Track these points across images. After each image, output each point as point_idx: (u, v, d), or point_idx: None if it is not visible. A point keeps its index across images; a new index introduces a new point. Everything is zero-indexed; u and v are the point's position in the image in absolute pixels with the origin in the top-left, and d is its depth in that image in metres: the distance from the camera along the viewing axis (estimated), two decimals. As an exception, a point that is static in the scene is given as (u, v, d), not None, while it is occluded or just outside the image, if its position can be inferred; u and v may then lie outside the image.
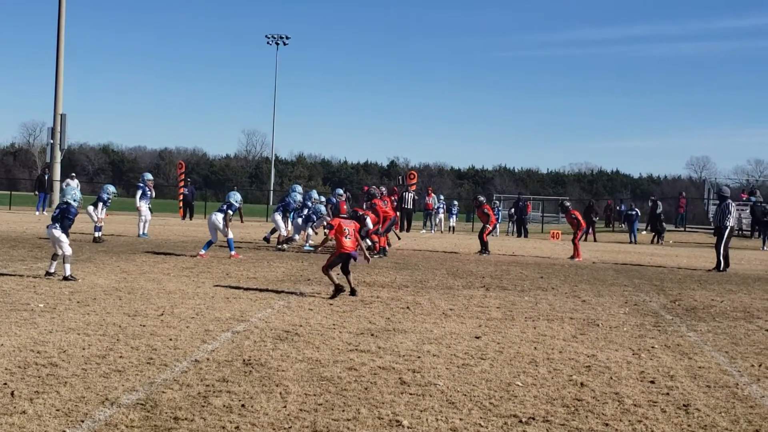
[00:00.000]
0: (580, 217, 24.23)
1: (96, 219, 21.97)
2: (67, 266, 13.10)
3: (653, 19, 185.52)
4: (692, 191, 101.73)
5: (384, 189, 24.43)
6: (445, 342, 9.03)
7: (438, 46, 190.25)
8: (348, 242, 12.51)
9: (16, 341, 8.03)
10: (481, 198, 25.37)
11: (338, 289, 12.28)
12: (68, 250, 13.18)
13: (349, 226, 12.73)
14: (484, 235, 24.24)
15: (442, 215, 41.28)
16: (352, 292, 12.67)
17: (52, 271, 13.30)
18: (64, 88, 46.17)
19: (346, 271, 12.66)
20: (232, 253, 18.47)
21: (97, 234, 21.79)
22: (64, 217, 13.39)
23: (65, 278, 12.94)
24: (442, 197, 42.89)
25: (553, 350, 8.85)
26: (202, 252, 18.36)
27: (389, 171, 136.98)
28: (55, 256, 13.31)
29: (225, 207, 19.02)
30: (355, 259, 12.69)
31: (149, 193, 25.12)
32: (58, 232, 13.21)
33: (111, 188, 23.10)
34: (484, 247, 24.02)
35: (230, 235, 18.81)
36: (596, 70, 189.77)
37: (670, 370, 8.06)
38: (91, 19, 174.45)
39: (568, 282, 16.31)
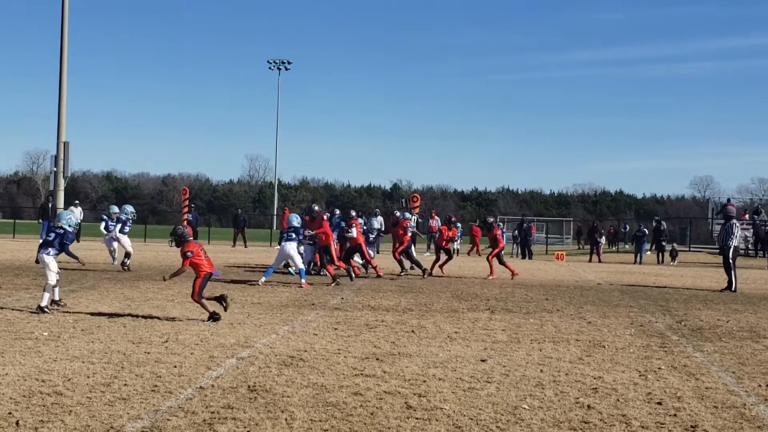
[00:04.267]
0: (500, 236, 23.59)
1: (130, 248, 21.68)
2: (46, 296, 12.55)
3: (655, 40, 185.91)
4: (696, 211, 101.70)
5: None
6: (451, 365, 9.00)
7: (440, 68, 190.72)
8: (206, 262, 12.24)
9: (20, 370, 8.01)
10: (491, 219, 24.68)
11: (214, 316, 11.84)
12: (52, 279, 12.67)
13: (201, 246, 12.48)
14: (490, 257, 23.43)
15: None
16: (213, 317, 11.88)
17: (57, 299, 12.99)
18: (67, 116, 46.33)
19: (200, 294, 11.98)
20: (303, 281, 18.26)
21: (127, 261, 21.44)
22: (61, 242, 12.98)
23: (39, 308, 12.41)
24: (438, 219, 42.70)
25: (559, 372, 8.82)
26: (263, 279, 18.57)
27: (392, 194, 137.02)
28: (57, 282, 12.90)
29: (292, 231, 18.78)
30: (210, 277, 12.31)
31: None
32: (49, 258, 12.80)
33: (130, 208, 22.63)
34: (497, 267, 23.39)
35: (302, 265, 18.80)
36: (599, 91, 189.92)
37: (677, 391, 8.02)
38: (94, 47, 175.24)
39: (574, 303, 16.27)
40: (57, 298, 13.02)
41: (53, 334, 10.32)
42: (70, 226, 13.20)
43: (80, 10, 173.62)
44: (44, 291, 12.69)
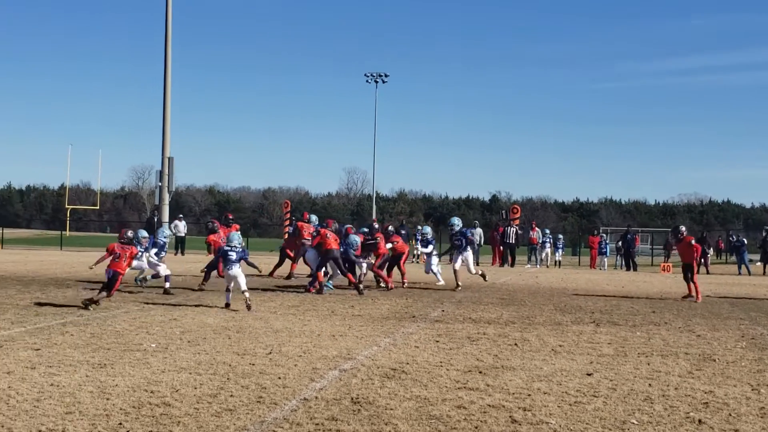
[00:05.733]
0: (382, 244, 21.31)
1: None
2: (247, 294, 15.34)
3: (761, 45, 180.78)
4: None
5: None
6: (556, 379, 8.85)
7: (539, 78, 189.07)
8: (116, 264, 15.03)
9: (130, 381, 8.19)
10: (683, 228, 20.74)
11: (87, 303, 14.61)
12: (244, 285, 15.41)
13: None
14: (695, 276, 19.63)
15: (548, 249, 40.49)
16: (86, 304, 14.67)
17: (228, 301, 15.40)
18: (171, 132, 47.46)
19: None
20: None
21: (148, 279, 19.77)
22: (242, 257, 15.77)
23: (248, 306, 15.05)
24: (548, 231, 42.16)
25: (668, 387, 8.59)
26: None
27: (491, 205, 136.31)
28: (228, 290, 15.46)
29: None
30: None
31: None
32: (237, 270, 15.51)
33: (167, 231, 22.24)
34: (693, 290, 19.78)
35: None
36: (704, 97, 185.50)
37: (793, 406, 7.73)
38: (197, 64, 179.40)
39: (682, 316, 15.86)
40: (228, 301, 15.50)
41: (161, 345, 10.54)
42: (240, 244, 16.03)
43: (183, 25, 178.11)
44: (245, 293, 15.34)
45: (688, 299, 19.36)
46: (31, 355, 9.56)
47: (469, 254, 21.56)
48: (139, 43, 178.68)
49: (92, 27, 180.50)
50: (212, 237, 21.98)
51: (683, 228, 20.72)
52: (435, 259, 22.35)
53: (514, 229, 38.21)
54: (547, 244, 40.31)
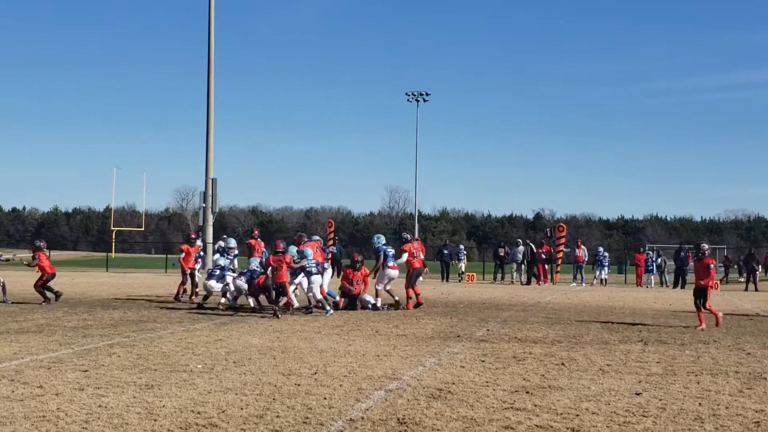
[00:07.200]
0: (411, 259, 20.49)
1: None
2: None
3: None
4: None
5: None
6: (604, 399, 8.74)
7: (581, 96, 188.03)
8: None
9: (177, 402, 8.22)
10: (705, 246, 18.38)
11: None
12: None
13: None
14: (707, 302, 17.39)
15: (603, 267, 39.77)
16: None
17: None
18: (214, 153, 47.83)
19: None
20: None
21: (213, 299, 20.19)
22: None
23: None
24: (601, 249, 41.38)
25: (719, 406, 8.44)
26: None
27: (534, 224, 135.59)
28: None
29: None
30: None
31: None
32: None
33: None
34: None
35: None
36: (749, 113, 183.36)
37: None
38: (239, 85, 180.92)
39: (731, 334, 15.62)
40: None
41: (207, 366, 10.57)
42: (260, 266, 18.84)
43: (226, 47, 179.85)
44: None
45: (698, 329, 16.50)
46: (79, 377, 9.64)
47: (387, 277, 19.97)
48: (182, 66, 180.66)
49: (135, 50, 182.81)
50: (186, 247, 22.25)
51: (706, 246, 18.36)
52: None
53: (530, 248, 38.10)
54: (605, 261, 39.84)
